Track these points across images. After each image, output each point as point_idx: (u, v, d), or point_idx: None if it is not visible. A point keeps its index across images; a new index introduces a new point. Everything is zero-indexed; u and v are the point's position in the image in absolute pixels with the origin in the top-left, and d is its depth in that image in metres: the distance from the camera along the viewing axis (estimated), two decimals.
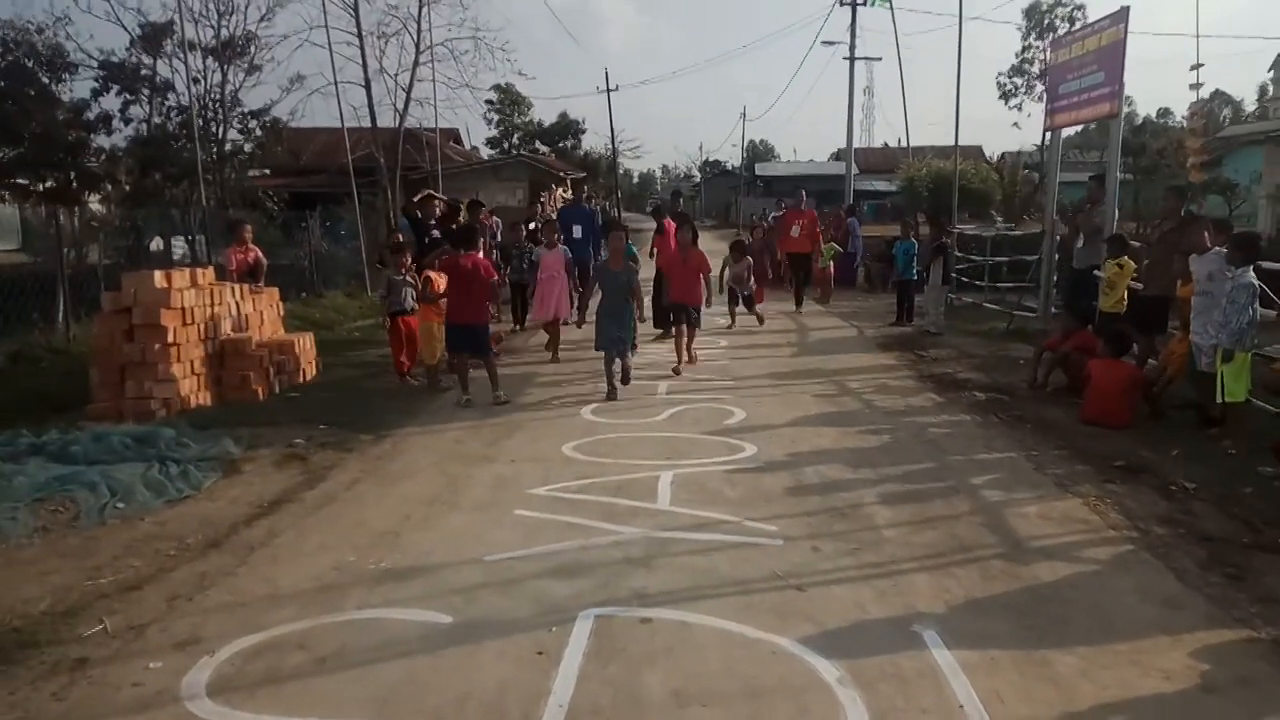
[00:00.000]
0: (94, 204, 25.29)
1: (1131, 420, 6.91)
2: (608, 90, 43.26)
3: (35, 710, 3.08)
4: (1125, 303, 8.85)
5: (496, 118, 45.04)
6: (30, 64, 24.46)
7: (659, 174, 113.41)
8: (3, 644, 3.57)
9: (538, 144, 43.86)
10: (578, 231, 12.56)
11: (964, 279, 15.10)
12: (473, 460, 6.19)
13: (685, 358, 9.45)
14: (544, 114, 51.06)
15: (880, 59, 32.56)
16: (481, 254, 8.94)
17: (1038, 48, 33.61)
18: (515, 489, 5.49)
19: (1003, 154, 31.72)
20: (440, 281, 8.46)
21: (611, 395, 8.05)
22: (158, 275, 7.73)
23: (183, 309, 7.78)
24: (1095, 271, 9.92)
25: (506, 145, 44.36)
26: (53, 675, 3.32)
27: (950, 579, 4.09)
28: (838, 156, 51.85)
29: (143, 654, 3.46)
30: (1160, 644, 3.50)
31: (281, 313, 9.96)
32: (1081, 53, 11.05)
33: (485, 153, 41.32)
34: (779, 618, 3.69)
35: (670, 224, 11.21)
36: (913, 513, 5.01)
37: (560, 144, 45.09)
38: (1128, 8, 9.97)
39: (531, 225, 13.16)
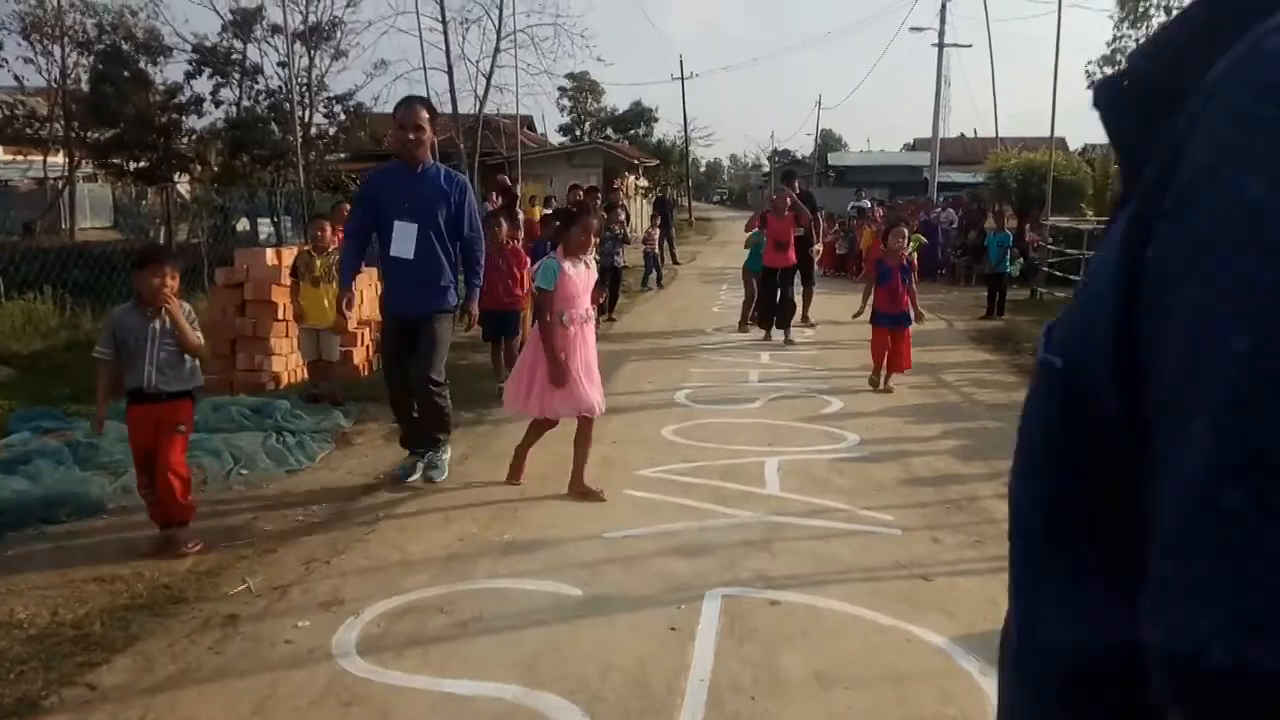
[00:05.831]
0: (181, 185, 26.17)
1: None
2: (682, 77, 43.14)
3: (195, 662, 3.22)
4: None
5: (569, 104, 45.29)
6: (127, 47, 25.36)
7: (726, 163, 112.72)
8: (155, 599, 3.74)
9: (609, 131, 43.93)
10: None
11: (1056, 273, 14.69)
12: None
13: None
14: (617, 101, 51.15)
15: (970, 46, 31.66)
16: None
17: (1129, 37, 32.49)
18: (623, 469, 5.53)
19: (1085, 145, 30.76)
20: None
21: None
22: (269, 253, 7.98)
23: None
24: None
25: (578, 133, 44.55)
26: (206, 630, 3.45)
27: None
28: (912, 146, 50.87)
29: (289, 613, 3.58)
30: None
31: (379, 291, 10.16)
32: None
33: (556, 140, 41.55)
34: (909, 606, 3.66)
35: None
36: None
37: (632, 132, 45.10)
38: None
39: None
